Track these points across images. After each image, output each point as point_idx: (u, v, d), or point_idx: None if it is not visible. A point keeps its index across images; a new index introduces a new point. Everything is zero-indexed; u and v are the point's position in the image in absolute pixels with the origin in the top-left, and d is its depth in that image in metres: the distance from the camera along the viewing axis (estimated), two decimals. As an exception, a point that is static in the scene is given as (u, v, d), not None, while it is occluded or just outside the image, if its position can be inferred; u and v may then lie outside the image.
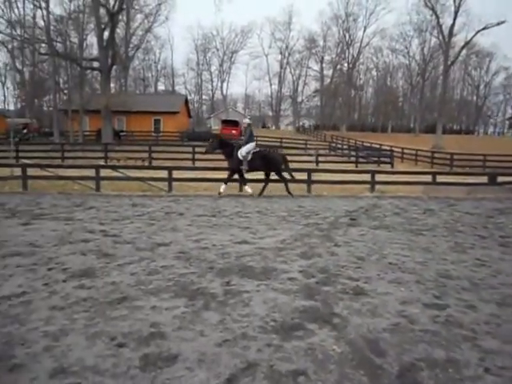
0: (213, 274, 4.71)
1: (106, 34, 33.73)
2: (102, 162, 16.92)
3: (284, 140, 37.79)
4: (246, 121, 12.65)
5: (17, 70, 45.29)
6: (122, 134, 38.05)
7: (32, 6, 39.74)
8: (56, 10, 41.45)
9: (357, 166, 22.01)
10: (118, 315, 3.58)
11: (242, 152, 11.62)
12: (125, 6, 35.58)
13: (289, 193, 11.89)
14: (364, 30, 64.28)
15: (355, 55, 64.99)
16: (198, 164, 19.30)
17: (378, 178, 13.51)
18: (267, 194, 11.95)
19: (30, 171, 12.50)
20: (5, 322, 3.43)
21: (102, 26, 33.55)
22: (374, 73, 77.83)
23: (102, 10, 33.67)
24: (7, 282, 4.40)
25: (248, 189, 11.87)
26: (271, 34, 76.24)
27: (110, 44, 33.38)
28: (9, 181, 12.75)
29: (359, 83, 75.14)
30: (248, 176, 12.12)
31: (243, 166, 11.68)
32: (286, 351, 3.07)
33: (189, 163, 19.56)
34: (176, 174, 12.40)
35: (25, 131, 38.42)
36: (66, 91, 44.55)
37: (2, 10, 38.69)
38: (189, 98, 63.39)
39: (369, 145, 34.67)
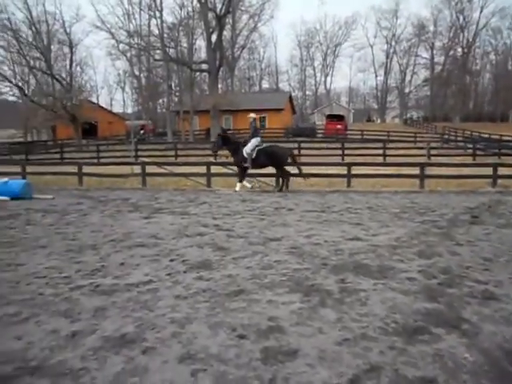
0: (327, 271, 4.63)
1: (214, 37, 35.28)
2: (212, 160, 17.69)
3: (391, 133, 36.25)
4: (252, 116, 12.51)
5: (134, 76, 49.36)
6: (229, 131, 39.50)
7: (147, 17, 43.06)
8: (168, 18, 44.32)
9: (474, 159, 20.32)
10: (237, 307, 3.67)
11: (246, 149, 11.66)
12: (231, 9, 36.81)
13: (286, 187, 11.80)
14: (481, 11, 59.04)
15: (470, 39, 59.97)
16: (303, 160, 19.30)
17: (501, 171, 12.30)
18: (376, 189, 11.54)
19: (148, 169, 13.53)
20: (135, 308, 3.71)
21: (210, 30, 35.13)
22: (493, 56, 71.12)
23: (210, 15, 35.25)
24: (135, 270, 4.77)
25: (246, 184, 12.08)
26: (376, 23, 73.55)
27: (218, 46, 34.81)
28: (129, 178, 13.91)
29: (475, 69, 69.17)
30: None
31: (247, 163, 11.69)
32: (411, 355, 2.89)
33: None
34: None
35: (142, 132, 41.79)
36: (177, 93, 47.49)
37: (122, 22, 42.40)
38: (292, 94, 63.74)
39: (487, 136, 31.80)
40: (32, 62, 40.99)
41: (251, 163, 11.70)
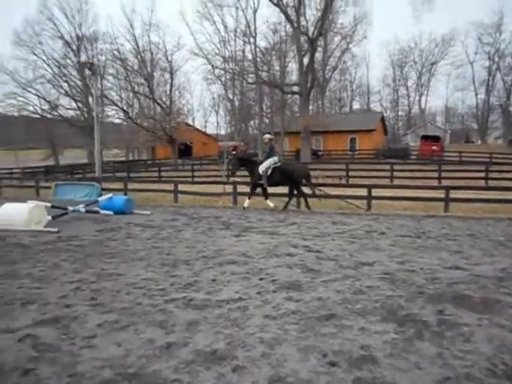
0: (423, 300, 4.35)
1: (306, 59, 35.67)
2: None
3: (494, 155, 33.61)
4: (267, 136, 12.93)
5: (228, 99, 51.36)
6: (319, 153, 39.38)
7: (242, 43, 44.85)
8: (262, 43, 45.62)
9: None
10: (328, 332, 3.57)
11: (261, 168, 11.93)
12: (323, 31, 37.09)
13: (308, 207, 11.86)
14: None
15: None
16: (396, 182, 18.57)
17: None
18: (476, 215, 10.71)
19: (240, 188, 13.85)
20: (226, 324, 3.76)
21: (302, 53, 35.62)
22: None
23: (302, 38, 35.80)
24: (226, 287, 4.86)
25: (269, 203, 12.13)
26: (477, 39, 69.31)
27: (310, 68, 35.13)
28: (221, 196, 14.35)
29: None
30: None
31: (262, 181, 11.90)
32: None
33: (386, 181, 18.96)
34: (375, 192, 12.12)
35: (234, 153, 43.13)
36: (268, 115, 48.53)
37: (218, 49, 44.55)
38: (384, 114, 62.05)
39: None
40: (136, 88, 44.48)
41: (266, 181, 11.88)
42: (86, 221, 10.36)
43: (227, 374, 2.91)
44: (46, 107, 45.23)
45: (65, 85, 45.03)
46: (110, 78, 45.21)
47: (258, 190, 12.57)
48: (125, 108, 45.14)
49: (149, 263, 6.02)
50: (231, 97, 51.68)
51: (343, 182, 19.58)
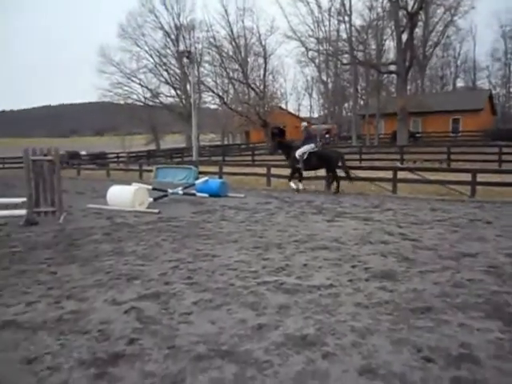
0: (535, 298, 3.95)
1: (405, 36, 33.70)
2: (398, 164, 16.94)
3: None
4: (304, 124, 14.33)
5: (322, 81, 50.48)
6: (417, 135, 37.30)
7: (337, 22, 43.61)
8: (357, 21, 43.89)
9: None
10: (423, 325, 3.40)
11: (298, 152, 12.58)
12: (424, 4, 34.67)
13: (337, 191, 12.33)
14: None
15: None
16: (505, 166, 17.01)
17: None
18: None
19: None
20: (316, 310, 3.75)
21: (401, 29, 33.68)
22: None
23: (401, 13, 33.80)
24: (317, 272, 4.84)
25: (293, 185, 12.78)
26: None
27: (409, 45, 33.16)
28: (313, 180, 14.24)
29: None
30: None
31: (299, 164, 12.59)
32: None
33: (494, 165, 17.40)
34: (480, 177, 11.20)
35: (327, 136, 42.48)
36: (363, 97, 46.92)
37: (312, 30, 43.76)
38: (493, 92, 56.76)
39: None
40: (231, 74, 45.49)
41: (303, 165, 12.55)
42: (184, 203, 10.93)
43: (317, 359, 2.91)
44: (148, 95, 48.24)
45: (165, 73, 47.53)
46: (207, 65, 46.76)
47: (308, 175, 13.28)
48: (220, 94, 46.46)
49: (242, 245, 6.19)
50: (325, 79, 50.69)
51: (444, 165, 18.38)
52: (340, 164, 12.67)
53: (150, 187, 11.26)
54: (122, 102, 48.15)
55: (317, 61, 47.22)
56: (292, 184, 12.93)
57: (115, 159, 33.01)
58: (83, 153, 35.84)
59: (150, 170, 15.95)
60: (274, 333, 3.32)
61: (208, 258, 5.54)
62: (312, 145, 12.82)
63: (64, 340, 3.28)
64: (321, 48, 43.31)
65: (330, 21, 44.17)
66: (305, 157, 12.48)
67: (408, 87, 41.25)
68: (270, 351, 3.04)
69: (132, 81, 47.35)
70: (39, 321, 3.65)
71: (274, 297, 4.09)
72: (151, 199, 10.41)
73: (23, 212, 8.36)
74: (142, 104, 48.53)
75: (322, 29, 44.43)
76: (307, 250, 5.85)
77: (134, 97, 48.22)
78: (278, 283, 4.47)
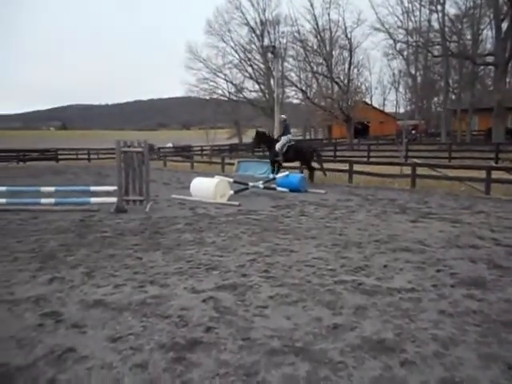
0: None
1: (504, 24, 31.09)
2: (492, 163, 15.72)
3: None
4: (283, 117, 15.27)
5: (410, 74, 48.21)
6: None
7: (428, 12, 41.32)
8: (451, 10, 41.32)
9: None
10: (516, 340, 3.12)
11: (278, 145, 13.76)
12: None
13: (311, 180, 13.58)
14: None
15: None
16: None
17: None
18: None
19: (419, 170, 13.01)
20: (396, 314, 3.59)
21: (501, 17, 31.12)
22: None
23: (501, 0, 31.20)
24: (398, 275, 4.64)
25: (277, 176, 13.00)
26: None
27: (509, 35, 30.54)
28: (397, 178, 13.69)
29: None
30: None
31: (279, 157, 13.79)
32: None
33: None
34: None
35: (413, 132, 40.59)
36: (455, 91, 44.12)
37: (401, 21, 41.91)
38: None
39: None
40: (315, 68, 45.08)
41: (282, 158, 13.77)
42: (264, 196, 11.04)
43: (394, 366, 2.78)
44: (232, 90, 49.40)
45: (249, 68, 48.35)
46: (290, 59, 46.80)
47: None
48: (303, 88, 46.32)
49: (320, 242, 6.11)
50: (413, 72, 48.38)
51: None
52: (315, 158, 14.18)
53: (232, 180, 11.51)
54: (207, 97, 49.78)
55: (405, 53, 45.18)
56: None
57: (199, 152, 34.24)
58: (169, 145, 37.58)
59: (232, 164, 16.32)
60: (350, 334, 3.23)
61: (286, 253, 5.54)
62: (288, 136, 14.08)
63: (146, 322, 3.45)
64: (410, 39, 41.38)
65: (420, 11, 42.05)
66: (284, 150, 13.74)
67: (507, 79, 38.10)
68: (345, 353, 2.96)
69: (217, 76, 48.81)
70: (125, 302, 3.88)
71: (351, 297, 3.99)
72: (232, 192, 10.64)
73: (114, 200, 8.95)
74: (226, 99, 49.80)
75: (412, 19, 42.45)
76: (388, 250, 5.63)
77: (219, 92, 49.70)
78: (356, 283, 4.34)
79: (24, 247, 5.93)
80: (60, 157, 31.29)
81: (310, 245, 5.99)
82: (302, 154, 13.91)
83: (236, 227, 7.23)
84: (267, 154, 15.90)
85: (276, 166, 14.02)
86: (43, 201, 9.04)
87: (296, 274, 4.69)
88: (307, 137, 58.47)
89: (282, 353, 2.96)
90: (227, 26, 47.74)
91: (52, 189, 9.65)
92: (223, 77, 49.10)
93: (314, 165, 14.26)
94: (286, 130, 14.32)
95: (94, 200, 9.08)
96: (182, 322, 3.46)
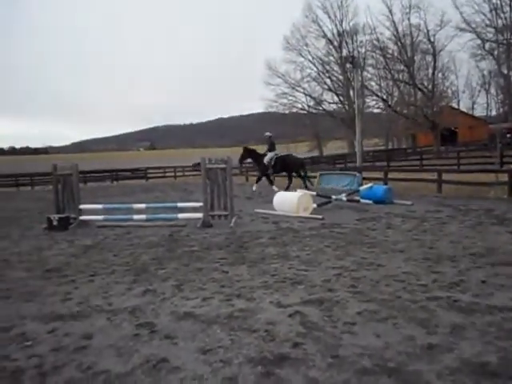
0: None
1: None
2: None
3: None
4: (267, 134, 15.93)
5: (502, 74, 44.87)
6: None
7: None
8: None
9: None
10: None
11: (266, 159, 15.21)
12: None
13: (306, 187, 14.01)
14: None
15: None
16: None
17: None
18: None
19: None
20: (499, 335, 3.29)
21: None
22: None
23: None
24: (498, 291, 4.27)
25: (274, 188, 14.72)
26: None
27: None
28: (494, 186, 12.71)
29: None
30: None
31: (269, 170, 15.31)
32: None
33: None
34: None
35: (508, 135, 37.59)
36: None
37: (489, 19, 39.29)
38: None
39: None
40: (396, 75, 43.65)
41: (272, 170, 15.25)
42: (347, 209, 10.81)
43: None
44: (311, 103, 49.35)
45: (328, 80, 48.05)
46: (370, 68, 45.81)
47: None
48: (384, 97, 45.06)
49: (409, 256, 5.83)
50: (505, 72, 44.97)
51: None
52: (301, 170, 15.38)
53: (314, 193, 11.43)
54: (286, 112, 50.20)
55: (495, 52, 42.19)
56: (274, 187, 14.93)
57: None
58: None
59: (314, 177, 16.22)
60: (448, 355, 3.02)
61: (373, 267, 5.35)
62: (275, 151, 15.46)
63: (234, 336, 3.50)
64: (500, 38, 38.64)
65: (510, 6, 39.07)
66: (272, 162, 15.07)
67: None
68: (443, 376, 2.76)
69: (296, 90, 49.05)
70: (213, 315, 3.97)
71: (446, 315, 3.74)
72: (315, 205, 10.56)
73: (200, 215, 9.28)
74: (305, 112, 49.85)
75: (502, 16, 39.56)
76: (486, 265, 5.22)
77: (298, 105, 49.90)
78: (451, 300, 4.07)
79: (119, 260, 6.34)
80: (149, 175, 33.22)
81: (398, 258, 5.74)
82: (287, 165, 15.30)
83: (320, 241, 7.14)
84: (349, 165, 16.17)
85: (269, 180, 15.85)
86: (135, 217, 9.63)
87: (384, 289, 4.51)
88: (389, 146, 56.57)
89: (373, 372, 2.84)
90: (304, 40, 47.96)
91: (143, 206, 10.26)
92: (302, 90, 49.28)
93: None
94: (271, 147, 15.54)
95: (181, 216, 9.49)
96: (269, 336, 3.46)
